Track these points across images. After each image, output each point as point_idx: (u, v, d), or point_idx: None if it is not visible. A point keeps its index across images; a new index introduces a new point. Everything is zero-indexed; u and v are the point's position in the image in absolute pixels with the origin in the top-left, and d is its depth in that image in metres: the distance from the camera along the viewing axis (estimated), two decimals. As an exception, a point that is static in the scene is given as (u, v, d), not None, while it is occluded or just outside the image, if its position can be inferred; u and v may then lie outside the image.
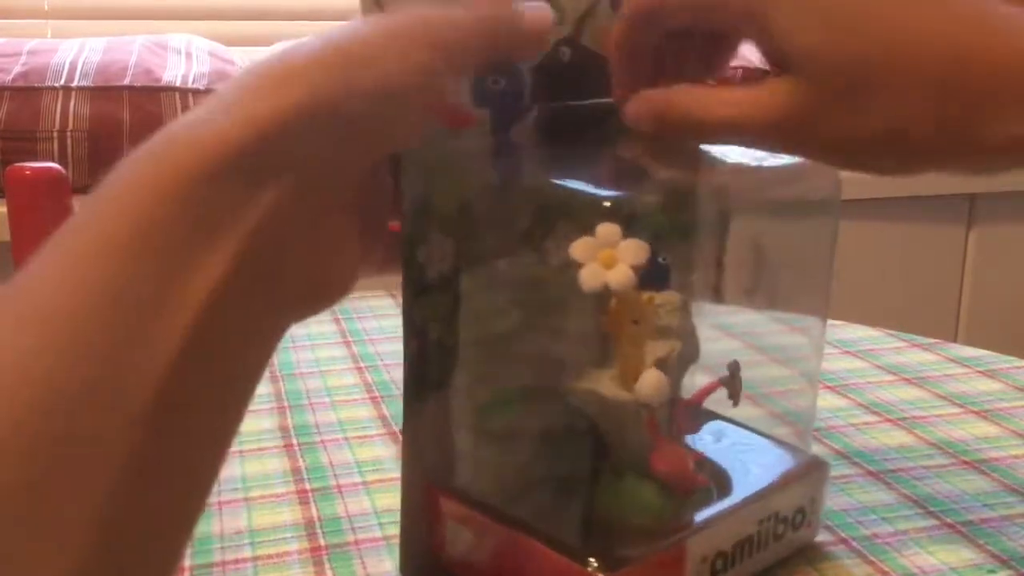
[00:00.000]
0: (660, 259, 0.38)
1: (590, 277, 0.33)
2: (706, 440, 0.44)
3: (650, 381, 0.35)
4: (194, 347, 0.25)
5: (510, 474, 0.41)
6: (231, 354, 0.27)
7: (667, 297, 0.39)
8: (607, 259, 0.33)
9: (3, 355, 0.24)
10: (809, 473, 0.43)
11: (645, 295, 0.37)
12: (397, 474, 0.51)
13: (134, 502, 0.24)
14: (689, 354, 0.40)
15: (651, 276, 0.35)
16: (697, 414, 0.41)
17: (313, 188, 0.29)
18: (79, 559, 0.23)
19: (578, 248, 0.34)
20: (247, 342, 0.28)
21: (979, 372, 0.64)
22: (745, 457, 0.43)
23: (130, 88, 1.39)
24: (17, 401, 0.23)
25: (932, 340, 0.70)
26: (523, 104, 0.38)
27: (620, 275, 0.33)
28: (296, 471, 0.52)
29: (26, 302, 0.26)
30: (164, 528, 0.26)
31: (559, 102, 0.39)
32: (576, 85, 0.39)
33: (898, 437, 0.55)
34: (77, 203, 0.92)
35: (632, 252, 0.33)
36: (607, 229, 0.34)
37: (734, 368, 0.41)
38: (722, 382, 0.41)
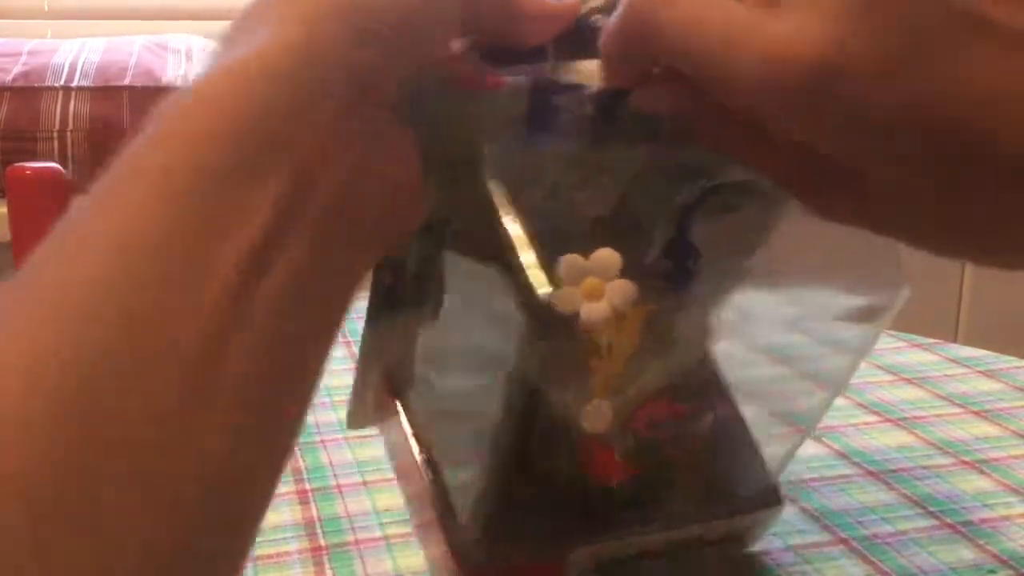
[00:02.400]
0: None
1: (565, 301, 0.30)
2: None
3: (591, 412, 0.32)
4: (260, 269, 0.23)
5: (446, 429, 0.40)
6: (304, 286, 0.24)
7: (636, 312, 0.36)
8: (591, 289, 0.31)
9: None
10: (754, 510, 0.40)
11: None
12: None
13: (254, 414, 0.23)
14: (673, 363, 0.38)
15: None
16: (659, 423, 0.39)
17: (364, 97, 0.27)
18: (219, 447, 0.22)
19: (566, 264, 0.31)
20: (323, 272, 0.25)
21: (979, 372, 0.64)
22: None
23: (130, 88, 1.39)
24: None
25: (932, 340, 0.70)
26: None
27: (597, 313, 0.30)
28: (296, 471, 0.52)
29: (112, 222, 0.23)
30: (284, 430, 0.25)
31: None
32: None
33: (898, 437, 0.55)
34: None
35: (620, 295, 0.30)
36: (606, 258, 0.31)
37: None
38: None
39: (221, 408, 0.22)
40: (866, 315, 0.41)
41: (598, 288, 0.30)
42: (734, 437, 0.41)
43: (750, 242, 0.37)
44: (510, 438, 0.37)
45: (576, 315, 0.30)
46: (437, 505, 0.38)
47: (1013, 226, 0.26)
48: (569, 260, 0.31)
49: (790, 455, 0.41)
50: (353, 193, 0.26)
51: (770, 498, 0.40)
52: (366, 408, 0.41)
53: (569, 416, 0.33)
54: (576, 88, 0.33)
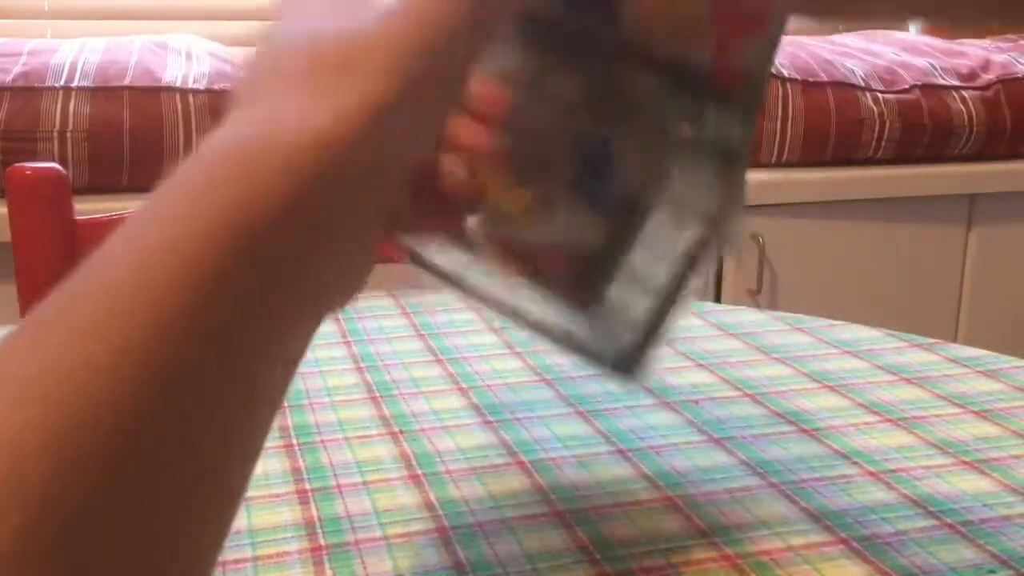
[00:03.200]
0: None
1: None
2: None
3: None
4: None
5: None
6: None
7: None
8: None
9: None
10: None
11: None
12: (397, 474, 0.51)
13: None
14: None
15: None
16: None
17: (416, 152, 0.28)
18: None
19: None
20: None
21: (979, 372, 0.64)
22: None
23: (130, 88, 1.39)
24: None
25: (932, 340, 0.70)
26: None
27: None
28: (296, 471, 0.52)
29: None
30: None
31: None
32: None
33: (898, 437, 0.55)
34: (77, 203, 0.92)
35: None
36: None
37: None
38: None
39: None
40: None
41: None
42: None
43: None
44: None
45: None
46: None
47: None
48: None
49: None
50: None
51: None
52: None
53: None
54: None
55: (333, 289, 0.28)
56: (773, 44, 0.37)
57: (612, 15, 0.36)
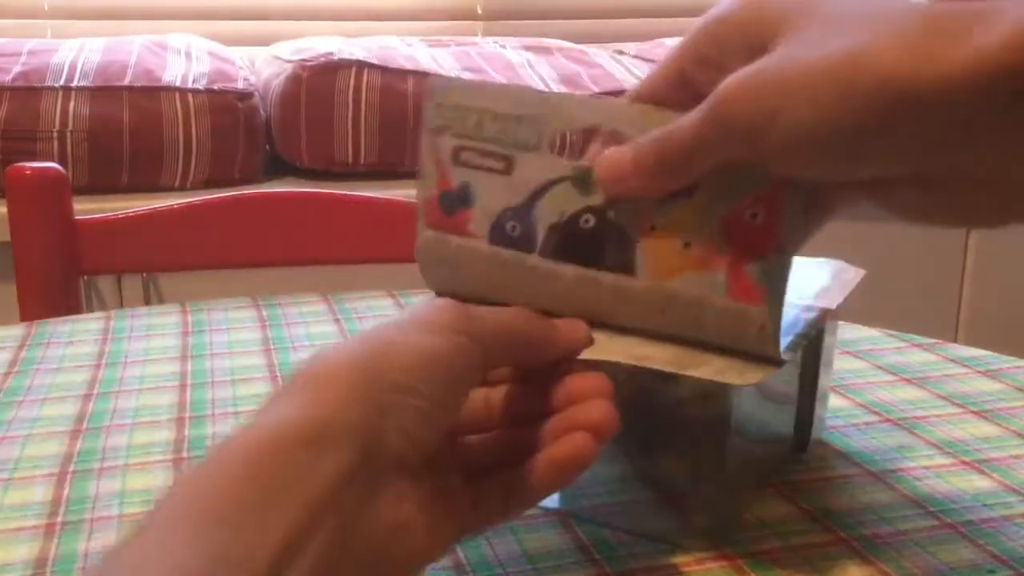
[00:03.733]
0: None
1: None
2: None
3: None
4: None
5: None
6: None
7: None
8: None
9: None
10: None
11: None
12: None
13: None
14: None
15: None
16: None
17: (375, 455, 0.31)
18: None
19: None
20: None
21: (979, 372, 0.64)
22: None
23: (130, 88, 1.39)
24: None
25: (932, 340, 0.70)
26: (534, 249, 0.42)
27: None
28: (296, 471, 0.51)
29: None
30: None
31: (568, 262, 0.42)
32: (592, 252, 0.41)
33: (898, 437, 0.55)
34: (77, 203, 0.92)
35: None
36: None
37: None
38: None
39: None
40: None
41: None
42: None
43: None
44: None
45: None
46: None
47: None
48: None
49: None
50: (354, 532, 0.30)
51: None
52: None
53: None
54: None
55: None
56: (787, 260, 0.39)
57: None
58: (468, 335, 0.35)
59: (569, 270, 0.41)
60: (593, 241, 0.41)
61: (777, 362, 0.40)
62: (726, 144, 0.36)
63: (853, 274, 0.52)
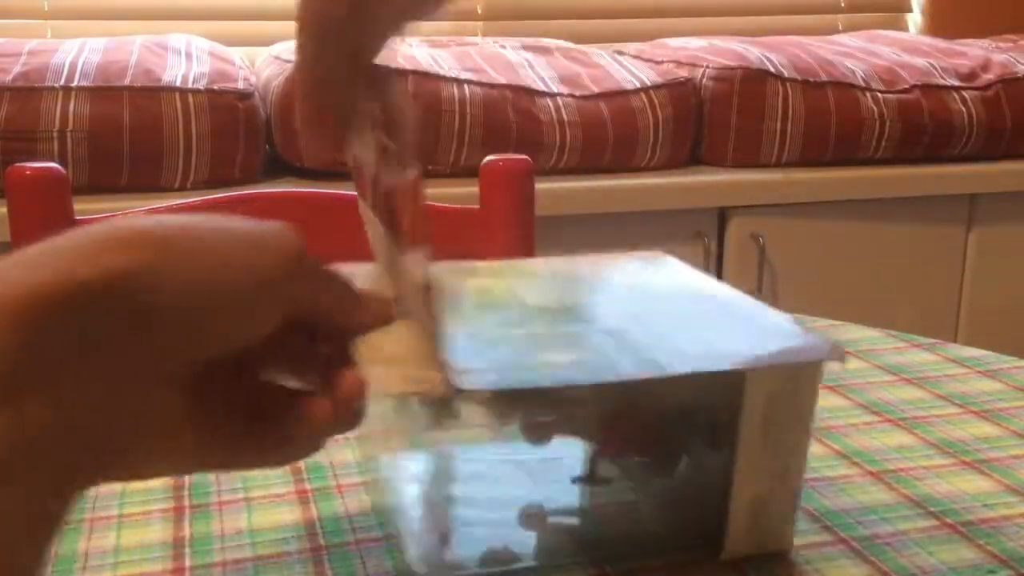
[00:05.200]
0: None
1: None
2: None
3: None
4: None
5: None
6: None
7: None
8: None
9: None
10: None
11: None
12: (397, 474, 0.51)
13: None
14: None
15: None
16: None
17: (105, 369, 0.29)
18: None
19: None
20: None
21: (979, 372, 0.64)
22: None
23: (130, 88, 1.39)
24: None
25: (932, 340, 0.70)
26: None
27: None
28: (296, 471, 0.52)
29: None
30: None
31: None
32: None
33: (898, 437, 0.55)
34: (77, 203, 0.92)
35: None
36: None
37: None
38: None
39: None
40: None
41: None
42: None
43: None
44: None
45: None
46: None
47: None
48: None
49: None
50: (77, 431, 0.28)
51: None
52: None
53: None
54: None
55: None
56: None
57: None
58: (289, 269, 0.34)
59: None
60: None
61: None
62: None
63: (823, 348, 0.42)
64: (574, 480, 0.45)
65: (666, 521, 0.46)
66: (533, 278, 0.51)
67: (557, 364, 0.39)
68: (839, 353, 0.41)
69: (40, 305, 0.27)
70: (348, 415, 0.37)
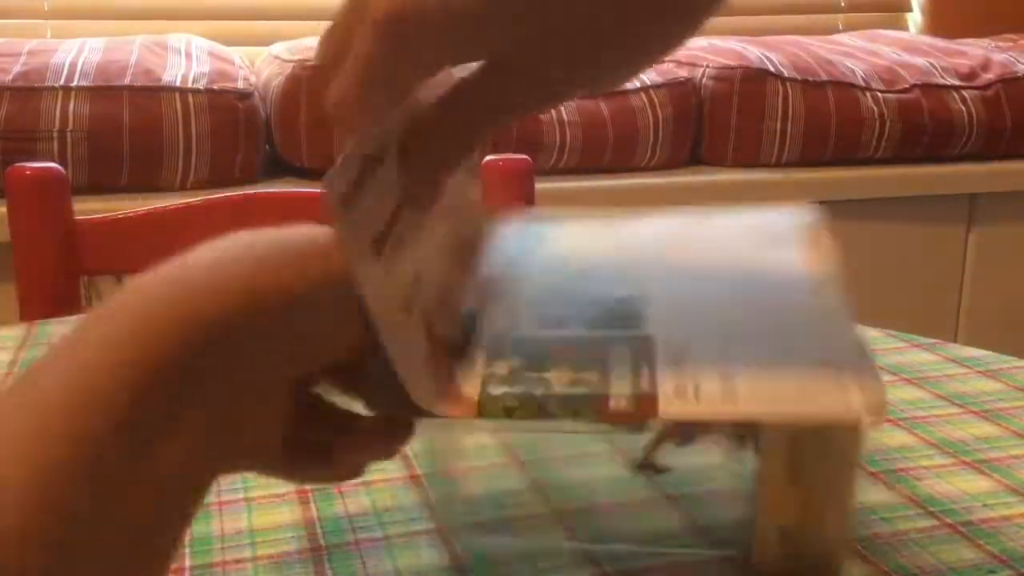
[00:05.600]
0: None
1: None
2: None
3: None
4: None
5: None
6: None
7: None
8: None
9: None
10: None
11: None
12: (397, 474, 0.51)
13: None
14: None
15: None
16: None
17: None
18: None
19: None
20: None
21: (979, 372, 0.64)
22: None
23: (130, 88, 1.39)
24: None
25: (932, 340, 0.70)
26: None
27: None
28: (296, 471, 0.52)
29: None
30: None
31: None
32: None
33: (898, 437, 0.55)
34: (77, 203, 0.92)
35: None
36: None
37: None
38: None
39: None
40: None
41: None
42: None
43: None
44: None
45: None
46: None
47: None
48: None
49: None
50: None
51: None
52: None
53: None
54: None
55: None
56: None
57: None
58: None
59: None
60: None
61: None
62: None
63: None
64: (637, 466, 0.44)
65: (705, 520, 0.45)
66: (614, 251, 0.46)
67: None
68: (875, 410, 0.35)
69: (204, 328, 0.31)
70: (388, 451, 0.39)
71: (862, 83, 1.65)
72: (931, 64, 1.73)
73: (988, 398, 0.60)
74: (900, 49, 1.83)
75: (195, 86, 1.42)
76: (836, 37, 1.97)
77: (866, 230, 1.63)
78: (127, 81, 1.40)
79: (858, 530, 0.46)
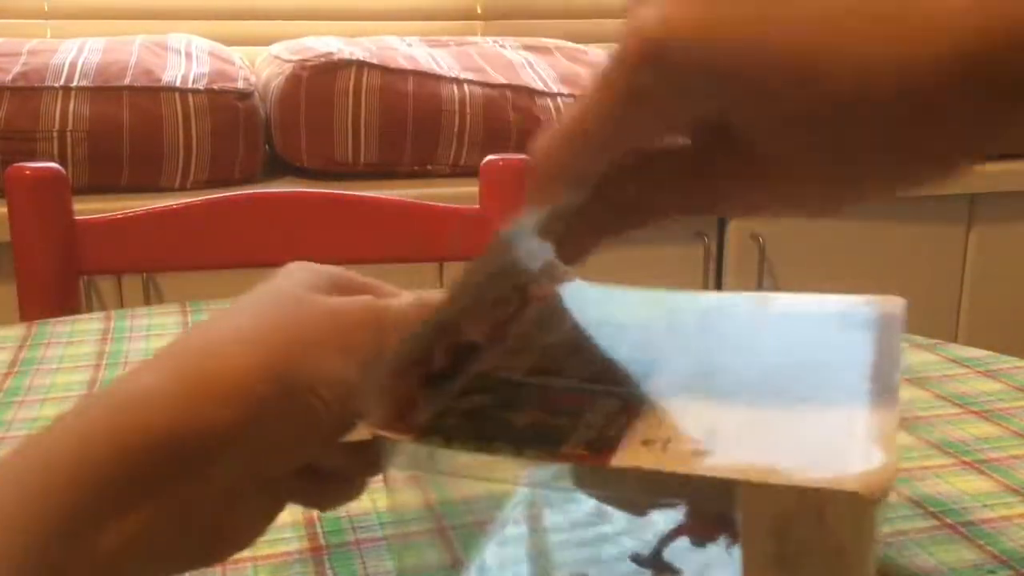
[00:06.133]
0: None
1: None
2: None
3: None
4: None
5: None
6: None
7: None
8: None
9: None
10: None
11: None
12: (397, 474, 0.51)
13: None
14: None
15: None
16: None
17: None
18: None
19: None
20: None
21: (979, 372, 0.64)
22: None
23: (130, 88, 1.39)
24: None
25: (932, 340, 0.70)
26: None
27: None
28: (296, 471, 0.51)
29: None
30: None
31: None
32: None
33: (898, 437, 0.55)
34: (77, 203, 0.92)
35: None
36: None
37: None
38: None
39: None
40: None
41: None
42: None
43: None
44: None
45: None
46: None
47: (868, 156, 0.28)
48: None
49: None
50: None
51: None
52: None
53: None
54: None
55: None
56: None
57: None
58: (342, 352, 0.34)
59: None
60: None
61: None
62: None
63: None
64: (634, 558, 0.39)
65: None
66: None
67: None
68: (878, 483, 0.28)
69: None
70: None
71: (862, 83, 1.65)
72: (931, 64, 1.73)
73: (988, 398, 0.60)
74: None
75: (195, 86, 1.42)
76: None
77: (866, 230, 1.63)
78: (127, 81, 1.40)
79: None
